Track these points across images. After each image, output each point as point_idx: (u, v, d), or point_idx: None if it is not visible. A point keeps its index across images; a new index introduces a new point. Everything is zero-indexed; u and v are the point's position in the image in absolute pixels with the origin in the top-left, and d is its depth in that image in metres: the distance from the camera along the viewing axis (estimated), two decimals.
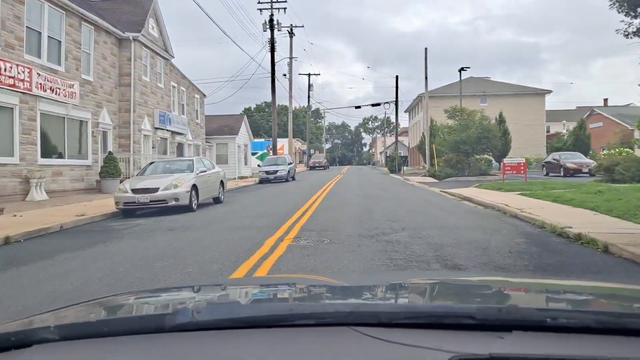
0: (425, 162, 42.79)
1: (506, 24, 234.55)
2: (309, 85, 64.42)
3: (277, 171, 29.79)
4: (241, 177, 35.96)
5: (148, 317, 1.32)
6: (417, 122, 63.29)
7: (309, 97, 64.32)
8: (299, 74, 65.60)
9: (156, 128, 25.46)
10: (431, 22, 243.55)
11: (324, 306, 1.36)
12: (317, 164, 58.30)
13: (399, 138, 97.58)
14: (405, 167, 44.74)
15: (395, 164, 43.73)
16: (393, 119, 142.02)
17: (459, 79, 64.56)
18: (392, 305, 1.44)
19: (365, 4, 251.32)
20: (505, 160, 20.40)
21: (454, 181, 27.21)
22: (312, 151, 76.92)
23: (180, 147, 29.65)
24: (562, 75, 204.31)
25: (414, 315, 1.14)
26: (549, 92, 59.32)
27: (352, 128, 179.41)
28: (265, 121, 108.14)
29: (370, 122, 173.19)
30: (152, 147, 25.00)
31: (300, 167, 65.50)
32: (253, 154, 71.19)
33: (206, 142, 35.35)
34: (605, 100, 71.92)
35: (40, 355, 1.09)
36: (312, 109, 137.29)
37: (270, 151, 41.93)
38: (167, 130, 26.79)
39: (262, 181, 29.80)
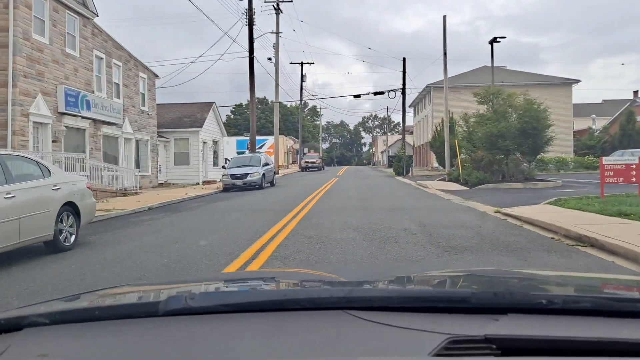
0: (440, 162, 34.85)
1: (506, 24, 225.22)
2: (302, 76, 56.47)
3: (246, 175, 21.74)
4: (207, 182, 27.91)
5: (141, 303, 1.31)
6: (425, 117, 55.29)
7: (301, 88, 56.33)
8: (291, 63, 57.09)
9: (62, 113, 17.38)
10: (430, 23, 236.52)
11: (319, 291, 1.35)
12: (309, 165, 50.14)
13: (401, 137, 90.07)
14: (412, 168, 36.71)
15: (402, 164, 35.74)
16: (394, 118, 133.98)
17: (465, 72, 56.79)
18: (386, 290, 1.42)
19: (365, 4, 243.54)
20: (606, 160, 12.28)
21: (493, 189, 19.21)
22: (305, 150, 68.94)
23: (111, 142, 21.55)
24: (563, 74, 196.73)
25: (408, 299, 1.16)
26: (577, 81, 51.15)
27: (352, 127, 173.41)
28: (257, 119, 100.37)
29: (370, 121, 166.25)
30: (53, 141, 16.92)
31: (293, 168, 57.44)
32: (239, 153, 63.75)
33: (159, 136, 27.19)
34: (635, 92, 64.13)
35: (32, 338, 1.10)
36: (309, 106, 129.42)
37: (249, 149, 33.96)
38: (83, 117, 18.68)
39: (228, 188, 21.81)
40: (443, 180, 25.44)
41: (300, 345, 1.00)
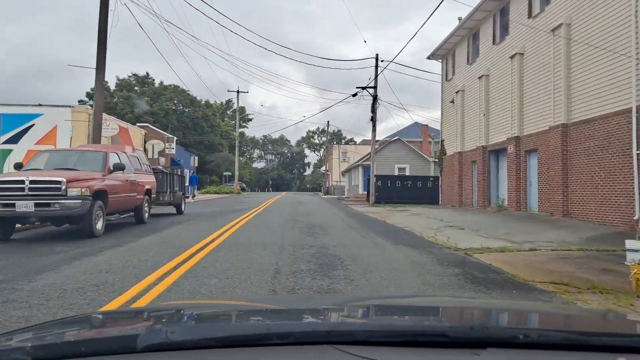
0: None
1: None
2: None
3: None
4: None
5: (122, 338, 1.26)
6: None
7: None
8: None
9: None
10: (377, 51, 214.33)
11: (302, 325, 1.33)
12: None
13: (365, 160, 50.78)
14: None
15: None
16: (343, 134, 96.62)
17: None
18: (370, 324, 1.42)
19: (315, 31, 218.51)
20: None
21: None
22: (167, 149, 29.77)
23: None
24: None
25: (392, 334, 1.14)
26: None
27: (293, 143, 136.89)
28: (130, 107, 60.30)
29: (316, 136, 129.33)
30: None
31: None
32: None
33: None
34: None
35: None
36: (233, 107, 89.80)
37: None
38: None
39: None
40: None
41: None
